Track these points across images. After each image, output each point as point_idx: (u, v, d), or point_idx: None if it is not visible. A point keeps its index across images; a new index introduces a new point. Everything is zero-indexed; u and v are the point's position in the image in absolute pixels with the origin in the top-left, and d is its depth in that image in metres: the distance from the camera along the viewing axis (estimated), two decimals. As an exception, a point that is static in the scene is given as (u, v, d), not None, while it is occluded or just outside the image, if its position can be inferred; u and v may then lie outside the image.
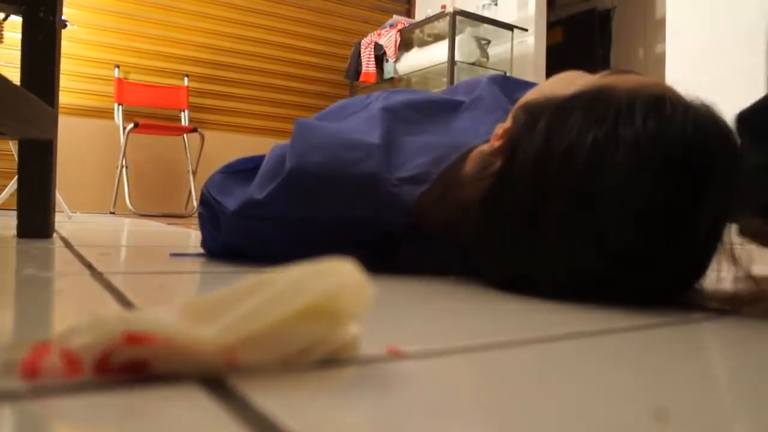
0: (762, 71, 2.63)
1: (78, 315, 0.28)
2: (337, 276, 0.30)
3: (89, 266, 0.76)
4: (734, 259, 0.61)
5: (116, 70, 3.92)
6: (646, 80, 0.63)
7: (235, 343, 0.28)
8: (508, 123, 0.66)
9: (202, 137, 3.79)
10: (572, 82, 0.65)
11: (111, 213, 3.68)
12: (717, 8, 2.86)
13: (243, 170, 0.85)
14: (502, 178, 0.63)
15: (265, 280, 0.30)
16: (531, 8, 3.82)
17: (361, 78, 4.10)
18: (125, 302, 0.50)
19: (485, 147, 0.69)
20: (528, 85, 0.92)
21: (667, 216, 0.56)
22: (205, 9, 4.21)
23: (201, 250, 0.93)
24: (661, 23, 3.21)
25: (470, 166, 0.71)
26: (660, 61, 3.26)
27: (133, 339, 0.27)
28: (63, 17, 1.44)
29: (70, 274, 0.70)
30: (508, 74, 3.72)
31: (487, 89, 0.88)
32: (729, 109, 2.30)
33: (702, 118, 0.58)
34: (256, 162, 0.84)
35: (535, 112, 0.63)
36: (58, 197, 1.71)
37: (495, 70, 3.72)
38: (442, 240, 0.74)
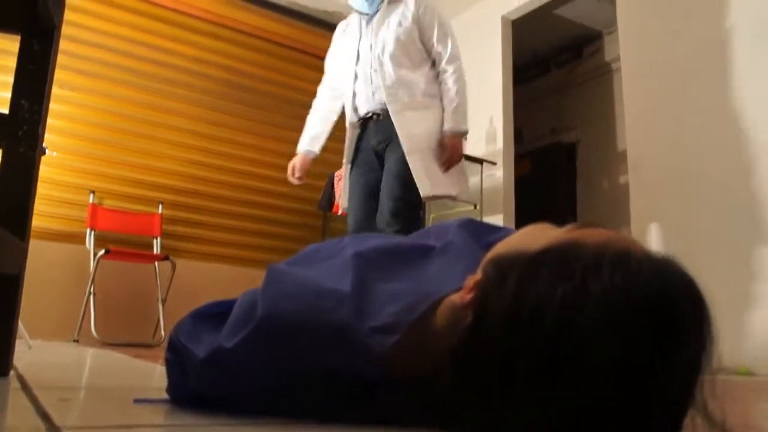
0: (714, 199, 2.75)
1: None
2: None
3: (45, 417, 0.72)
4: (707, 414, 0.60)
5: (91, 195, 3.94)
6: (612, 234, 0.65)
7: None
8: (478, 275, 0.67)
9: (174, 266, 3.77)
10: (540, 235, 0.67)
11: (75, 341, 3.57)
12: (673, 140, 3.02)
13: (213, 315, 0.84)
14: (472, 334, 0.63)
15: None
16: (499, 143, 3.99)
17: (334, 209, 4.17)
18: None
19: (456, 298, 0.69)
20: (497, 230, 0.95)
21: (638, 372, 0.56)
22: (182, 138, 4.32)
23: (166, 395, 0.90)
24: (623, 155, 3.37)
25: (441, 317, 0.71)
26: (624, 191, 3.39)
27: None
28: (43, 144, 1.45)
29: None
30: (477, 206, 3.82)
31: (458, 235, 0.89)
32: (694, 243, 2.37)
33: (667, 272, 0.59)
34: (227, 306, 0.83)
35: (504, 266, 0.64)
36: (19, 324, 1.65)
37: (465, 202, 3.82)
38: (415, 391, 0.72)
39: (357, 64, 2.63)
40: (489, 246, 0.76)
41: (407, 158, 2.45)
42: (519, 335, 0.58)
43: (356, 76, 2.64)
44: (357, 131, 2.69)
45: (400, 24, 2.56)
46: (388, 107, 2.52)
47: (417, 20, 2.58)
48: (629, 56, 3.39)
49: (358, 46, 2.65)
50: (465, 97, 2.61)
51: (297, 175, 2.87)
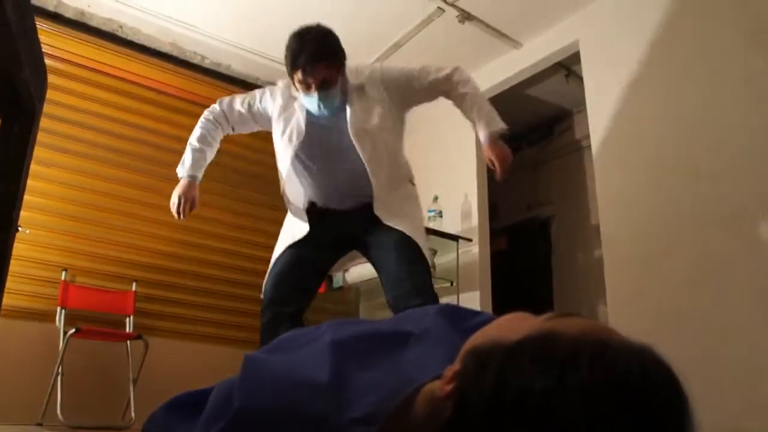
0: (688, 272, 2.78)
1: None
2: None
3: None
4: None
5: (63, 273, 3.87)
6: (588, 324, 0.65)
7: None
8: (456, 366, 0.67)
9: (146, 345, 3.68)
10: (518, 326, 0.67)
11: (38, 425, 3.43)
12: (644, 215, 3.09)
13: (188, 405, 0.83)
14: (452, 426, 0.63)
15: None
16: (474, 220, 4.03)
17: (310, 286, 4.14)
18: None
19: (435, 387, 0.69)
20: (475, 315, 0.95)
21: None
22: (158, 216, 4.29)
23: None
24: (597, 229, 3.42)
25: (420, 407, 0.70)
26: (599, 264, 3.42)
27: None
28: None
29: None
30: (454, 282, 3.83)
31: (435, 321, 0.90)
32: (669, 316, 2.36)
33: (645, 362, 0.60)
34: (202, 396, 0.81)
35: (483, 357, 0.64)
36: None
37: (442, 279, 3.83)
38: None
39: (320, 159, 2.30)
40: (467, 332, 0.76)
41: (413, 236, 2.22)
42: (499, 429, 0.58)
43: (318, 170, 2.31)
44: (312, 220, 2.37)
45: (382, 111, 2.25)
46: (378, 210, 2.25)
47: (390, 90, 2.29)
48: (598, 134, 3.50)
49: (323, 139, 2.27)
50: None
51: (188, 206, 2.43)
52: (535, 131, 5.62)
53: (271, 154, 4.65)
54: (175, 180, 4.04)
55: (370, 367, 0.79)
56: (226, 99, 2.57)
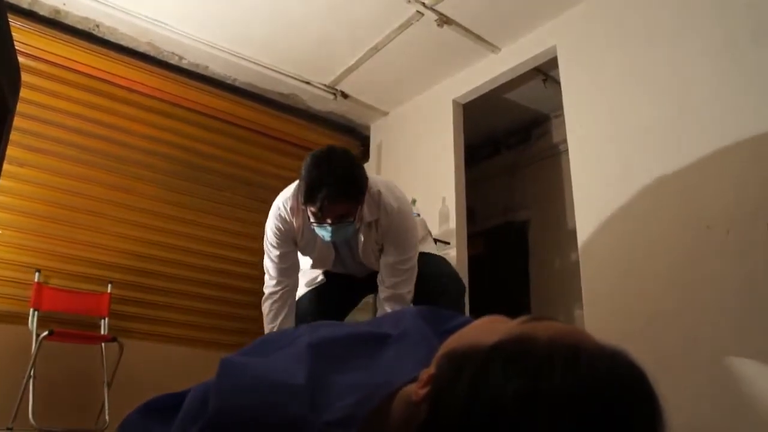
0: (662, 277, 2.82)
1: None
2: None
3: None
4: None
5: (37, 274, 3.81)
6: (562, 328, 0.66)
7: None
8: (432, 369, 0.67)
9: (121, 347, 3.64)
10: (493, 328, 0.67)
11: (8, 429, 3.37)
12: (620, 219, 3.12)
13: (163, 409, 0.82)
14: (427, 431, 0.63)
15: None
16: (452, 223, 4.05)
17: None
18: None
19: (411, 390, 0.69)
20: (452, 317, 0.95)
21: None
22: (134, 217, 4.25)
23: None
24: (574, 233, 3.44)
25: (396, 410, 0.71)
26: (575, 268, 3.44)
27: None
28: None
29: None
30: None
31: (413, 323, 0.90)
32: (644, 321, 2.38)
33: (617, 368, 0.61)
34: (179, 399, 0.81)
35: (458, 361, 0.65)
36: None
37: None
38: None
39: (343, 256, 2.36)
40: (445, 334, 0.77)
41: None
42: (473, 432, 0.59)
43: (341, 259, 2.38)
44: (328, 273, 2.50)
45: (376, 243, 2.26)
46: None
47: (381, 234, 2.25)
48: (575, 139, 3.53)
49: (336, 252, 2.32)
50: None
51: None
52: (513, 136, 5.65)
53: (249, 155, 4.58)
54: (150, 180, 3.98)
55: (347, 369, 0.79)
56: (271, 271, 2.36)
